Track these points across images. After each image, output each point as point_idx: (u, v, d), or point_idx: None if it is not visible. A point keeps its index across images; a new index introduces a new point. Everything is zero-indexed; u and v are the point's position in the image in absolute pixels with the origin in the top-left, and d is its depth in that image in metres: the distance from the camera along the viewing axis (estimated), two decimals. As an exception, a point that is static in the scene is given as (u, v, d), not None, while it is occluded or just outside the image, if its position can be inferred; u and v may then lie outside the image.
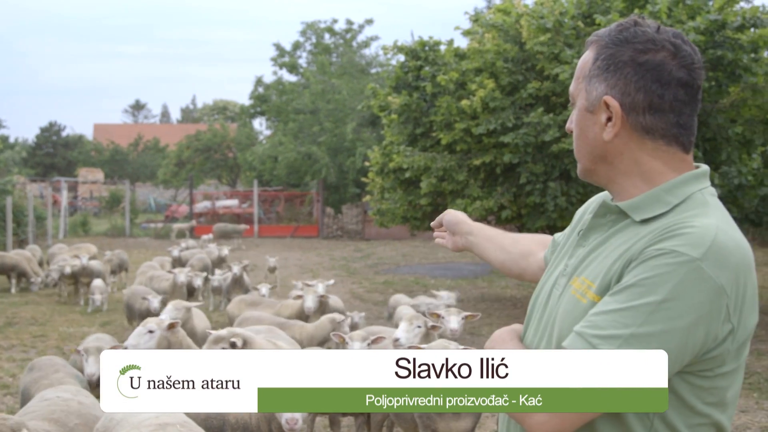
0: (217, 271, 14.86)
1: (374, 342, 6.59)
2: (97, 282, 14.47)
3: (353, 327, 9.45)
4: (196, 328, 8.59)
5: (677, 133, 2.00)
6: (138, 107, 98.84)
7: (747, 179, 12.53)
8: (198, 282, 12.80)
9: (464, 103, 13.19)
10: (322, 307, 10.04)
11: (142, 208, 45.25)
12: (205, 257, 16.89)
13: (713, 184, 10.45)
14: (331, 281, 11.34)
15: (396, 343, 6.11)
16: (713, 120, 12.56)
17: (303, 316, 9.75)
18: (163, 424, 4.21)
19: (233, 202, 39.01)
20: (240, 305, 10.45)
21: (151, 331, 6.56)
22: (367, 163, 16.57)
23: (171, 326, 6.69)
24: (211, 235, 25.66)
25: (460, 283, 18.53)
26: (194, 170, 43.71)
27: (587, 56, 2.06)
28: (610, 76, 1.99)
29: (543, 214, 13.20)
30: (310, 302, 9.85)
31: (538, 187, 13.08)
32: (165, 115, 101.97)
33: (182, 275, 12.47)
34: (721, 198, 10.67)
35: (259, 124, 70.30)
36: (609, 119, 2.00)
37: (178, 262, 16.58)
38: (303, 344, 8.36)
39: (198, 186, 44.81)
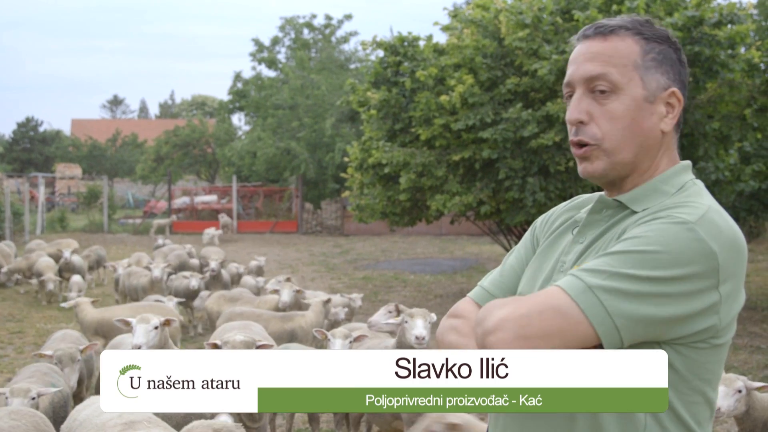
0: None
1: (356, 340, 6.58)
2: (76, 278, 14.37)
3: (335, 323, 9.45)
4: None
5: (680, 125, 2.12)
6: (116, 102, 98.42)
7: (724, 174, 12.62)
8: (194, 283, 12.25)
9: (443, 98, 13.20)
10: (299, 303, 10.04)
11: (120, 203, 44.99)
12: (182, 253, 16.83)
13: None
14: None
15: (420, 341, 6.08)
16: (691, 116, 12.63)
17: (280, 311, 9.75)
18: (130, 422, 4.15)
19: (212, 198, 38.88)
20: (219, 301, 10.38)
21: (156, 327, 6.52)
22: (346, 159, 16.56)
23: (166, 323, 6.66)
24: (213, 229, 25.66)
25: (438, 278, 18.56)
26: (173, 166, 43.53)
27: (628, 45, 2.03)
28: (669, 70, 2.05)
29: (522, 210, 13.24)
30: (285, 296, 9.84)
31: (517, 183, 13.11)
32: (143, 110, 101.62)
33: (157, 270, 12.37)
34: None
35: (238, 120, 70.21)
36: (668, 111, 2.05)
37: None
38: (309, 333, 8.42)
39: (176, 182, 44.63)
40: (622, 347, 1.80)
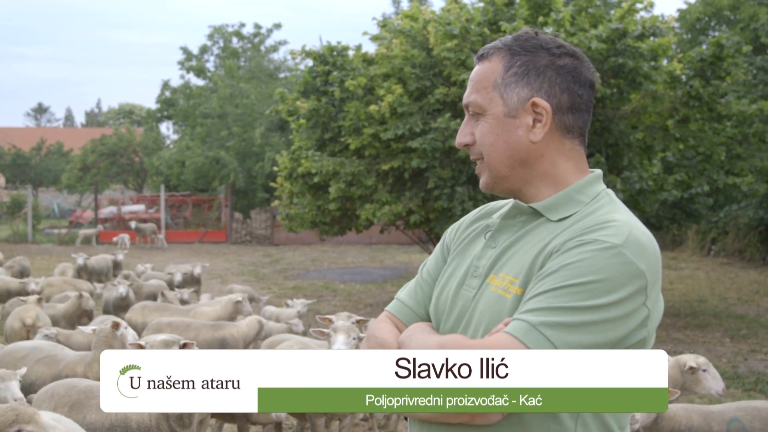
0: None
1: None
2: None
3: (266, 334, 9.35)
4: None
5: (585, 133, 2.13)
6: (41, 110, 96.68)
7: (648, 184, 12.85)
8: (122, 290, 11.50)
9: (372, 108, 13.24)
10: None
11: (45, 213, 44.14)
12: (108, 259, 16.75)
13: (615, 189, 10.74)
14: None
15: None
16: (615, 126, 12.86)
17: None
18: None
19: (140, 208, 38.34)
20: (143, 312, 9.95)
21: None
22: (275, 168, 16.49)
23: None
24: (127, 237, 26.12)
25: (369, 287, 18.59)
26: (99, 175, 42.88)
27: (493, 66, 2.11)
28: (532, 80, 2.07)
29: (451, 219, 13.31)
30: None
31: (446, 192, 13.20)
32: (69, 118, 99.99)
33: (33, 284, 12.23)
34: (623, 202, 11.04)
35: (166, 129, 69.46)
36: (535, 121, 2.07)
37: (84, 270, 16.25)
38: (240, 342, 8.37)
39: (103, 191, 43.97)
40: None
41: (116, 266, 17.06)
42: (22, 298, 10.37)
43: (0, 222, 40.14)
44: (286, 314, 10.49)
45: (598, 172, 2.16)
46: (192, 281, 14.62)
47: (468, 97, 2.14)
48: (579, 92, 2.09)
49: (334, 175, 13.83)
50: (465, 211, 12.89)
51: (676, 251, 25.52)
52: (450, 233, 2.36)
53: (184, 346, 5.66)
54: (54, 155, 55.04)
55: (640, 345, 1.94)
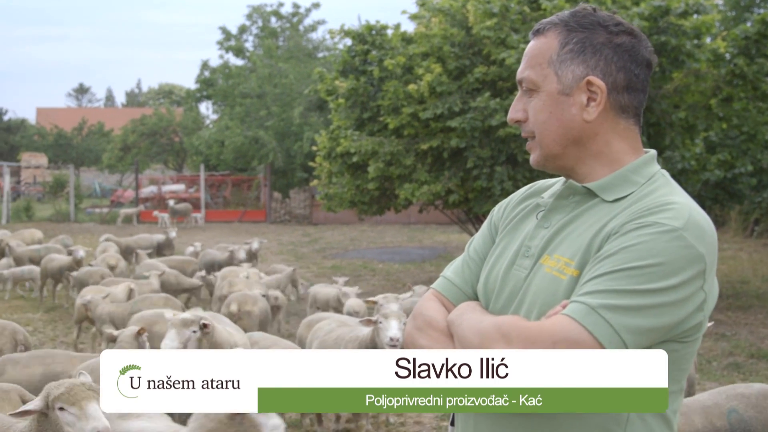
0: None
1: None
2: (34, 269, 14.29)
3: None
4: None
5: (640, 113, 2.10)
6: (82, 91, 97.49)
7: (690, 164, 12.71)
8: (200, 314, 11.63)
9: (411, 87, 13.20)
10: None
11: (86, 193, 44.58)
12: (153, 238, 16.98)
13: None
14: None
15: (395, 342, 6.04)
16: (657, 105, 12.71)
17: None
18: None
19: (180, 187, 38.62)
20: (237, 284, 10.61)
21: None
22: (314, 148, 16.51)
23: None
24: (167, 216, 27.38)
25: (407, 267, 18.59)
26: (140, 155, 43.18)
27: (549, 42, 2.08)
28: (588, 58, 2.04)
29: (490, 198, 13.27)
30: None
31: (485, 172, 13.14)
32: (109, 98, 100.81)
33: (81, 251, 13.18)
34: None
35: (206, 108, 69.84)
36: (590, 100, 2.04)
37: (125, 249, 16.45)
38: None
39: (144, 171, 44.29)
40: None
41: (168, 245, 17.29)
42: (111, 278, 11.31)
43: (43, 201, 40.64)
44: (332, 294, 10.73)
45: (653, 152, 2.12)
46: (250, 257, 15.11)
47: (522, 72, 2.11)
48: (635, 71, 2.05)
49: (372, 155, 13.82)
50: (504, 191, 12.84)
51: (719, 232, 25.10)
52: (498, 211, 2.33)
53: (204, 327, 5.76)
54: (95, 135, 55.49)
55: (696, 329, 1.92)
